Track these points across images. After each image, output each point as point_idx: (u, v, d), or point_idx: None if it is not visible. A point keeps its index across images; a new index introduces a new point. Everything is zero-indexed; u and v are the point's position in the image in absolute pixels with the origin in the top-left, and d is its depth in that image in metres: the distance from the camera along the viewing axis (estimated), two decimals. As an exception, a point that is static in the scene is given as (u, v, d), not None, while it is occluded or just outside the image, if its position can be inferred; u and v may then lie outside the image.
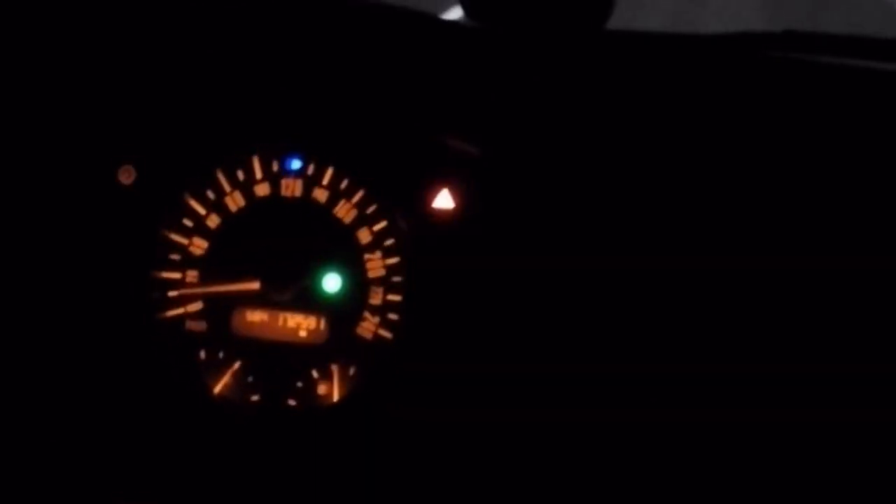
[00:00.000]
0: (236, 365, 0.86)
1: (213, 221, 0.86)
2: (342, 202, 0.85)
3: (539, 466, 0.84)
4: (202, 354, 0.87)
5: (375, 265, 0.85)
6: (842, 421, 0.81)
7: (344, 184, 0.85)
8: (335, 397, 0.85)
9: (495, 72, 0.85)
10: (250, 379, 0.86)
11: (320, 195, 0.85)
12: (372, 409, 0.85)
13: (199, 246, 0.86)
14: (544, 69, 0.85)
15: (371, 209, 0.84)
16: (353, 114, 0.85)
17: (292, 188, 0.85)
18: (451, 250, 0.83)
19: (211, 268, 0.86)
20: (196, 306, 0.86)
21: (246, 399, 0.86)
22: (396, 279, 0.84)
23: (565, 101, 0.85)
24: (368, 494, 0.85)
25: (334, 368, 0.85)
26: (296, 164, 0.85)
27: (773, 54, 0.87)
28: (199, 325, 0.87)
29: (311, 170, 0.85)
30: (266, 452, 0.86)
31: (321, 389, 0.86)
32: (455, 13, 0.91)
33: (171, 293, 0.86)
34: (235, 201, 0.86)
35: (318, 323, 0.85)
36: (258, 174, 0.86)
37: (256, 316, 0.86)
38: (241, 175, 0.86)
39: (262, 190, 0.86)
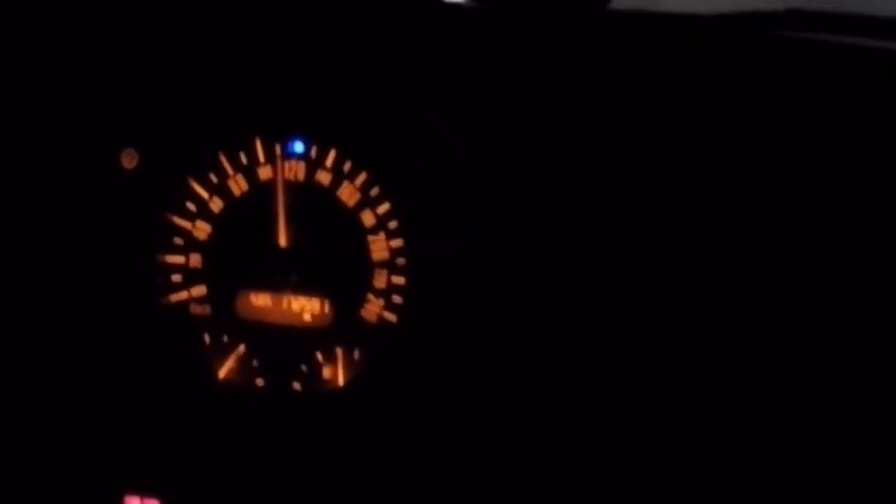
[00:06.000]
0: (241, 349, 0.86)
1: (217, 205, 0.86)
2: (345, 185, 0.85)
3: (542, 451, 0.84)
4: (206, 338, 0.87)
5: (379, 248, 0.84)
6: (843, 423, 0.81)
7: (347, 166, 0.84)
8: (340, 381, 0.85)
9: (497, 53, 0.85)
10: (255, 363, 0.86)
11: (323, 178, 0.85)
12: (377, 392, 0.85)
13: (202, 229, 0.86)
14: (547, 50, 0.85)
15: (374, 191, 0.84)
16: (355, 96, 0.85)
17: (295, 171, 0.85)
18: (456, 233, 0.83)
19: (214, 251, 0.86)
20: (200, 290, 0.86)
21: (251, 383, 0.86)
22: (400, 262, 0.84)
23: (569, 83, 0.84)
24: (373, 478, 0.85)
25: (339, 352, 0.85)
26: (298, 147, 0.85)
27: (778, 33, 0.86)
28: (203, 309, 0.87)
29: (313, 152, 0.85)
30: (271, 436, 0.86)
31: (326, 373, 0.86)
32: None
33: (175, 277, 0.86)
34: (238, 184, 0.86)
35: (323, 306, 0.85)
36: (261, 157, 0.85)
37: (261, 299, 0.86)
38: (243, 158, 0.86)
39: (265, 173, 0.85)
